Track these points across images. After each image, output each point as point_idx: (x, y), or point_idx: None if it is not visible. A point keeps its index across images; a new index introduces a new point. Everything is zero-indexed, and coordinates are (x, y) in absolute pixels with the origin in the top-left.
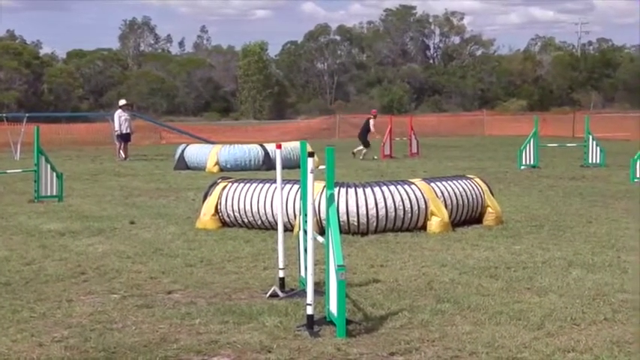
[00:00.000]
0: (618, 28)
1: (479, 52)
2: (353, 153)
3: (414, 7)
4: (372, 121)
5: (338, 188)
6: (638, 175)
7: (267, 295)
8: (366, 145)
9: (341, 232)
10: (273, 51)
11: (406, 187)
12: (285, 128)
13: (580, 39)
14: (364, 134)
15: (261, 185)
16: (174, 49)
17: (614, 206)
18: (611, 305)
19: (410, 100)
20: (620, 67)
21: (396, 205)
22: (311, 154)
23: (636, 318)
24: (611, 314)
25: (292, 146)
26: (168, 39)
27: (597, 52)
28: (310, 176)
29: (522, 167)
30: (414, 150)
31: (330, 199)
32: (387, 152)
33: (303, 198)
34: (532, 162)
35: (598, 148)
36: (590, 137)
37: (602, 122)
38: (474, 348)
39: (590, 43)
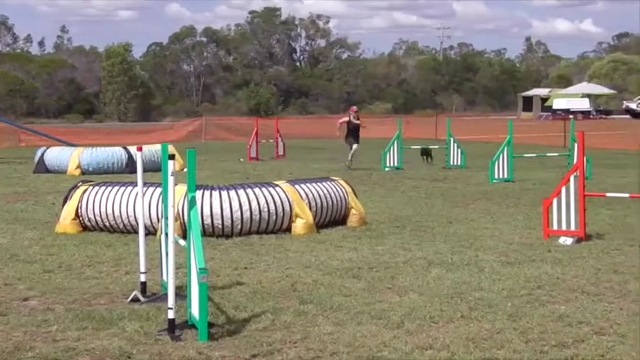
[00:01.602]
0: (478, 34)
1: (344, 56)
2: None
3: (278, 9)
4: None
5: (202, 191)
6: (496, 176)
7: (128, 300)
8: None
9: (205, 234)
10: (138, 52)
11: (271, 189)
12: (151, 130)
13: (442, 43)
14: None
15: (122, 188)
16: (35, 50)
17: (474, 206)
18: (468, 303)
19: (277, 102)
20: (481, 71)
21: (261, 207)
22: (171, 157)
23: (492, 315)
24: (468, 312)
25: (156, 149)
26: (28, 39)
27: (459, 56)
28: (171, 179)
29: (386, 169)
30: (280, 152)
31: (192, 202)
32: (254, 155)
33: (164, 201)
34: (396, 164)
35: (459, 150)
36: (452, 139)
37: (464, 125)
38: (335, 348)
39: (451, 47)
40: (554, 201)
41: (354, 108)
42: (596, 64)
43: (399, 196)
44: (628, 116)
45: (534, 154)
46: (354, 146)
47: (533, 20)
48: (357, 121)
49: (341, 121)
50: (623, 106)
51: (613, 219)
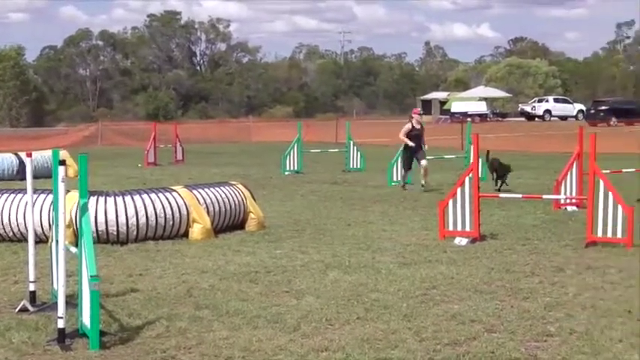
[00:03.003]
0: (379, 38)
1: (245, 60)
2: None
3: (178, 13)
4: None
5: (97, 197)
6: (395, 179)
7: (17, 309)
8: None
9: (100, 241)
10: (31, 56)
11: (167, 194)
12: (45, 136)
13: (343, 47)
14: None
15: (12, 195)
16: None
17: (372, 209)
18: (364, 305)
19: (176, 106)
20: (381, 75)
21: (157, 212)
22: (62, 163)
23: (387, 315)
24: (364, 313)
25: (49, 155)
26: None
27: (359, 60)
28: (61, 185)
29: (286, 173)
30: (179, 157)
31: (84, 209)
32: (152, 160)
33: (55, 207)
34: (296, 167)
35: (359, 153)
36: (352, 143)
37: (364, 128)
38: (230, 353)
39: (352, 51)
40: (450, 202)
41: (418, 110)
42: (492, 67)
43: (298, 200)
44: (523, 119)
45: (432, 157)
46: (423, 162)
47: (432, 24)
48: (420, 127)
49: (404, 132)
50: (519, 109)
51: (506, 219)
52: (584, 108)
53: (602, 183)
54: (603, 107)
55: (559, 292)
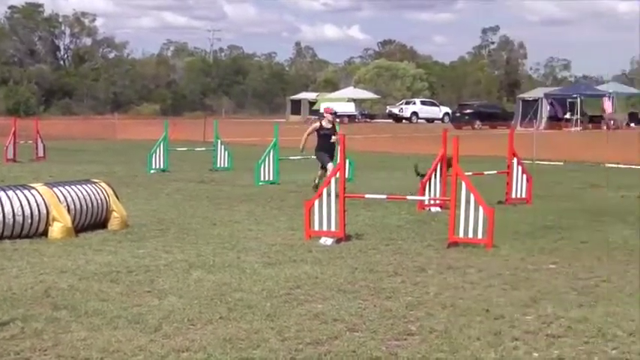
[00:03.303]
0: (249, 37)
1: (112, 55)
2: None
3: (41, 6)
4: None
5: None
6: (263, 179)
7: None
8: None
9: None
10: None
11: (26, 192)
12: None
13: (212, 45)
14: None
15: None
16: None
17: (239, 208)
18: (227, 304)
19: (38, 102)
20: (251, 75)
21: (15, 211)
22: None
23: (250, 315)
24: (227, 313)
25: None
26: None
27: (229, 59)
28: None
29: (152, 171)
30: (40, 154)
31: None
32: (11, 156)
33: None
34: (162, 166)
35: (226, 153)
36: (219, 142)
37: (233, 127)
38: (88, 354)
39: (222, 50)
40: (316, 202)
41: (330, 109)
42: (361, 69)
43: (163, 199)
44: (391, 120)
45: (300, 157)
46: (329, 165)
47: (303, 25)
48: (332, 127)
49: (309, 130)
50: (387, 111)
51: (372, 220)
52: (450, 111)
53: (464, 185)
54: (468, 110)
55: (421, 291)
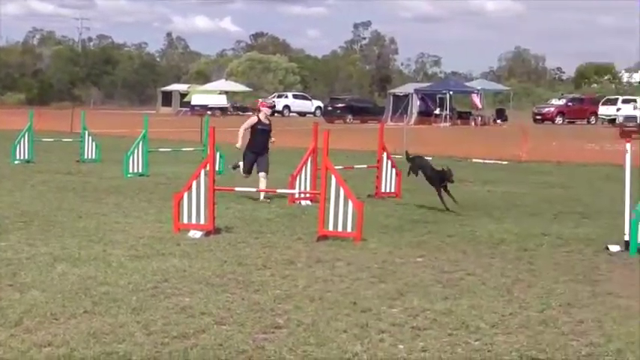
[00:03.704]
0: (119, 26)
1: None
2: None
3: None
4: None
5: None
6: (131, 171)
7: None
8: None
9: None
10: None
11: None
12: None
13: (81, 34)
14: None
15: None
16: None
17: (106, 201)
18: (92, 298)
19: None
20: (120, 65)
21: None
22: None
23: (115, 309)
24: (92, 307)
25: None
26: None
27: (98, 48)
28: None
29: (16, 162)
30: None
31: None
32: None
33: None
34: (26, 157)
35: (94, 144)
36: (87, 133)
37: (101, 118)
38: None
39: (90, 39)
40: (185, 195)
41: (266, 102)
42: (234, 62)
43: (27, 190)
44: None
45: (170, 149)
46: (261, 174)
47: (174, 16)
48: (269, 123)
49: (245, 125)
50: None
51: (242, 213)
52: (322, 105)
53: (334, 178)
54: (340, 105)
55: (289, 284)
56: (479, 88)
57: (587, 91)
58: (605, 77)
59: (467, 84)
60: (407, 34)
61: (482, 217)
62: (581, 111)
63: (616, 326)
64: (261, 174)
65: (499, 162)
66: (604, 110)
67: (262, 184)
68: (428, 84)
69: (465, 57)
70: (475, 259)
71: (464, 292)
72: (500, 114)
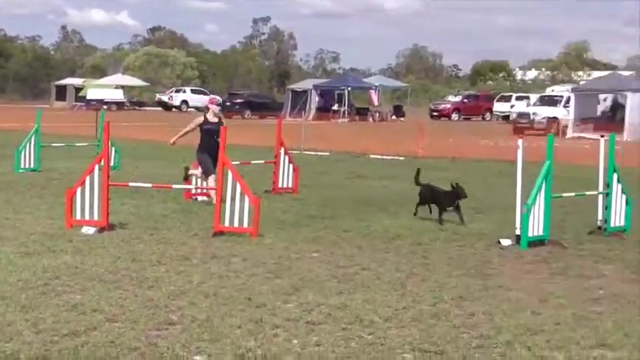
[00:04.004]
0: (11, 19)
1: None
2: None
3: None
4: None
5: None
6: (23, 166)
7: None
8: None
9: None
10: None
11: None
12: None
13: None
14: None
15: None
16: None
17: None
18: None
19: None
20: (13, 58)
21: None
22: None
23: (4, 307)
24: None
25: None
26: None
27: None
28: None
29: None
30: None
31: None
32: None
33: None
34: None
35: None
36: None
37: None
38: None
39: None
40: (78, 190)
41: (215, 99)
42: (130, 56)
43: None
44: (160, 108)
45: (63, 144)
46: (212, 178)
47: (69, 9)
48: (218, 122)
49: (192, 126)
50: (156, 99)
51: (137, 209)
52: (220, 100)
53: (230, 174)
54: (238, 100)
55: (184, 280)
56: (377, 84)
57: (482, 88)
58: (500, 75)
59: (365, 80)
60: (306, 30)
61: (378, 213)
62: (476, 107)
63: (506, 318)
64: (212, 177)
65: (396, 158)
66: (499, 107)
67: (212, 183)
68: (326, 80)
69: (364, 53)
70: (370, 253)
71: (358, 286)
72: (398, 110)
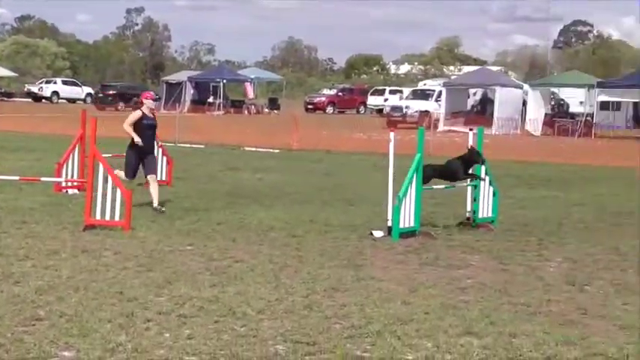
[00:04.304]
0: None
1: None
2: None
3: None
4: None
5: None
6: None
7: None
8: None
9: None
10: None
11: None
12: None
13: None
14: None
15: None
16: None
17: None
18: None
19: None
20: None
21: None
22: None
23: None
24: None
25: None
26: None
27: None
28: None
29: None
30: None
31: None
32: None
33: None
34: None
35: None
36: None
37: None
38: None
39: None
40: None
41: (151, 93)
42: None
43: None
44: (30, 99)
45: None
46: (150, 177)
47: None
48: (154, 118)
49: (131, 120)
50: (25, 89)
51: (4, 202)
52: (92, 91)
53: (101, 166)
54: (111, 92)
55: (52, 275)
56: (252, 76)
57: (357, 81)
58: (374, 68)
59: (240, 73)
60: (181, 21)
61: (252, 205)
62: (351, 101)
63: (377, 309)
64: (151, 177)
65: (271, 150)
66: (372, 100)
67: (153, 189)
68: (201, 72)
69: (240, 46)
70: (244, 246)
71: (231, 279)
72: (273, 103)
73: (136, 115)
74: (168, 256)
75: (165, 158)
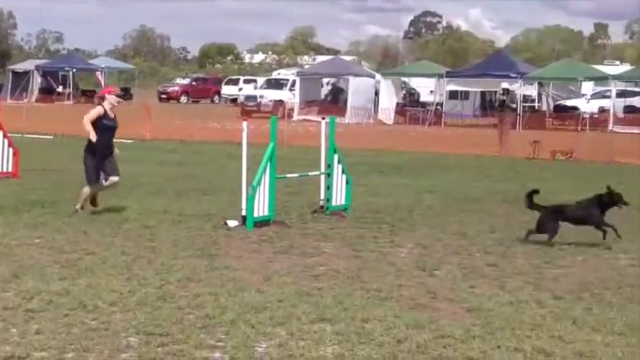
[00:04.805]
0: None
1: None
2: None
3: None
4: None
5: None
6: None
7: None
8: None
9: None
10: None
11: None
12: None
13: None
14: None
15: None
16: None
17: None
18: None
19: None
20: None
21: None
22: None
23: None
24: None
25: None
26: None
27: None
28: None
29: None
30: None
31: None
32: None
33: None
34: None
35: None
36: None
37: None
38: None
39: None
40: None
41: (114, 88)
42: None
43: None
44: None
45: None
46: (114, 179)
47: None
48: (115, 117)
49: (92, 116)
50: None
51: None
52: None
53: None
54: None
55: None
56: (103, 65)
57: (211, 70)
58: (228, 58)
59: (91, 62)
60: (26, 8)
61: (104, 196)
62: (205, 90)
63: (231, 298)
64: (114, 178)
65: (124, 141)
66: (227, 90)
67: (111, 185)
68: (50, 60)
69: (89, 34)
70: (96, 238)
71: (82, 271)
72: (125, 92)
73: (98, 111)
74: (15, 249)
75: (11, 150)
